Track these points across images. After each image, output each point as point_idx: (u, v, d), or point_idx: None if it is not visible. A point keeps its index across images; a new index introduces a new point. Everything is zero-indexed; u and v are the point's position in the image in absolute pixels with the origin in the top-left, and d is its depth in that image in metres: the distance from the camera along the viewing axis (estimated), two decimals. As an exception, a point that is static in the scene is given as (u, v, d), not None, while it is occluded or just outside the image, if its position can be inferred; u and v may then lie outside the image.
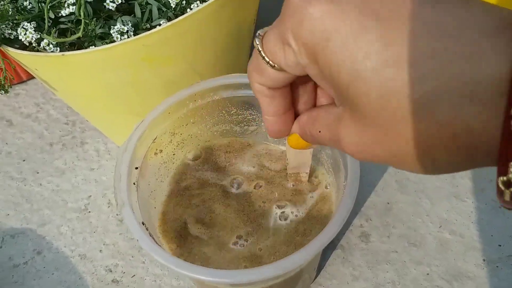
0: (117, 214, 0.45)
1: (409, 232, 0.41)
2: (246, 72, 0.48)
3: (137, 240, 0.25)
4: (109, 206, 0.45)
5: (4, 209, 0.46)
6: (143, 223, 0.27)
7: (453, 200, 0.43)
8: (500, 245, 0.40)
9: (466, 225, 0.41)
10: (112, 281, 0.40)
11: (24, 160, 0.51)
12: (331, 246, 0.41)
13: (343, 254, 0.40)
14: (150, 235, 0.26)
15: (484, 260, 0.39)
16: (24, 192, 0.48)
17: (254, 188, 0.35)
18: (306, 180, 0.34)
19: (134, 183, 0.29)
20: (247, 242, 0.31)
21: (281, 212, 0.33)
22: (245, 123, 0.37)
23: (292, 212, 0.33)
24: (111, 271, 0.41)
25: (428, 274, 0.38)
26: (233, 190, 0.34)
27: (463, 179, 0.44)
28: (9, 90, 0.32)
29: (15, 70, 0.56)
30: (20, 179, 0.49)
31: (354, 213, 0.43)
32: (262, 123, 0.37)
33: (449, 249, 0.40)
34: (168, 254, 0.25)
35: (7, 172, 0.50)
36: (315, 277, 0.39)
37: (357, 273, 0.39)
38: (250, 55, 0.48)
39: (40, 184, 0.48)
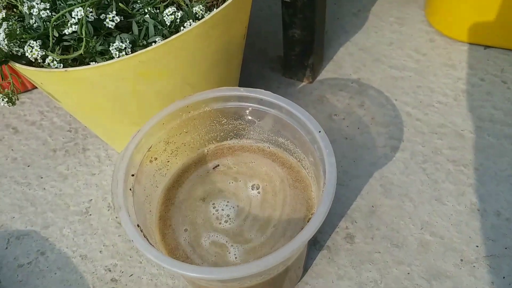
0: (116, 217, 0.47)
1: (391, 234, 0.44)
2: (237, 85, 0.51)
3: (132, 240, 0.28)
4: (109, 209, 0.48)
5: (10, 212, 0.49)
6: (138, 226, 0.29)
7: (434, 204, 0.45)
8: (477, 246, 0.42)
9: (446, 227, 0.44)
10: (111, 280, 0.43)
11: (28, 166, 0.53)
12: (318, 247, 0.43)
13: (328, 254, 0.43)
14: (145, 236, 0.29)
15: (462, 260, 0.41)
16: (29, 196, 0.50)
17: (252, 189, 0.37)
18: None
19: (130, 189, 0.31)
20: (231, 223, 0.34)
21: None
22: (235, 131, 0.39)
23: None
24: (110, 270, 0.43)
25: (408, 273, 0.41)
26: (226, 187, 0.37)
27: (445, 183, 0.47)
28: (16, 102, 0.34)
29: (21, 79, 0.58)
30: (25, 184, 0.52)
31: (340, 215, 0.45)
32: (251, 132, 0.39)
33: (429, 250, 0.42)
34: (159, 253, 0.27)
35: (13, 177, 0.52)
36: (302, 276, 0.41)
37: (341, 272, 0.41)
38: (240, 68, 0.51)
39: (44, 189, 0.51)
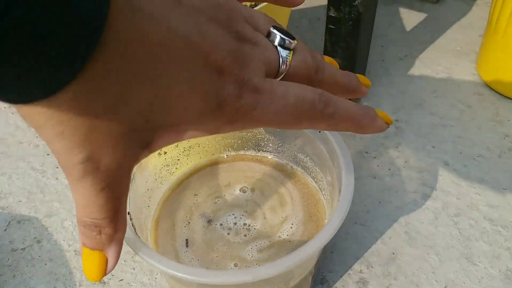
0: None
1: (410, 287, 0.39)
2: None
3: (117, 224, 0.25)
4: (114, 209, 0.46)
5: (18, 196, 0.48)
6: (128, 213, 0.27)
7: (463, 262, 0.40)
8: (509, 319, 0.36)
9: (475, 291, 0.38)
10: (100, 281, 0.40)
11: (48, 154, 0.53)
12: (326, 287, 0.39)
13: (336, 297, 0.38)
14: (133, 225, 0.27)
15: (489, 331, 0.36)
16: (40, 183, 0.49)
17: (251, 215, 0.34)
18: None
19: (130, 174, 0.29)
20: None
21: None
22: (254, 141, 0.37)
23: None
24: (101, 271, 0.41)
25: (424, 334, 0.36)
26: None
27: (478, 242, 0.42)
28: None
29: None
30: (40, 171, 0.51)
31: (355, 257, 0.41)
32: (270, 144, 0.37)
33: (451, 313, 0.37)
34: (142, 243, 0.25)
35: (30, 162, 0.52)
36: (302, 315, 0.37)
37: (347, 319, 0.37)
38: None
39: (57, 178, 0.50)
